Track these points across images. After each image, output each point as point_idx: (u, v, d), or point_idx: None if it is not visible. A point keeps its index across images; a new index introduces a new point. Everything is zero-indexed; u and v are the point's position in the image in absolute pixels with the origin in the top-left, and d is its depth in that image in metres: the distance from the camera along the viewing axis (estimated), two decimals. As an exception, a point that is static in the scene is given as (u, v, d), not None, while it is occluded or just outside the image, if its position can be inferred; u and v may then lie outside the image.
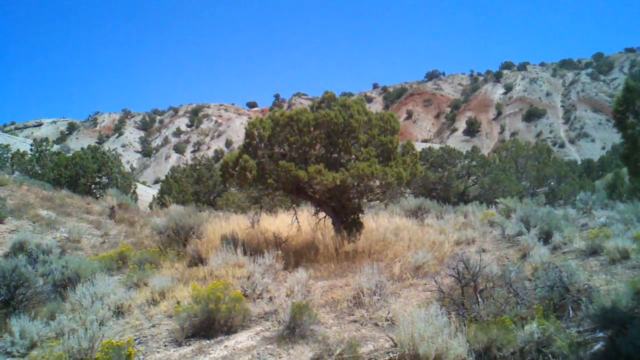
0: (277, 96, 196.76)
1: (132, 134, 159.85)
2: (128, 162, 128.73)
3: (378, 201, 14.53)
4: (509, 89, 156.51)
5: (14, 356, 6.89)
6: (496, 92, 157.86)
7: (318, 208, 13.39)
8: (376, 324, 7.23)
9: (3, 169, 22.58)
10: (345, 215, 12.58)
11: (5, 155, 29.31)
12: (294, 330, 6.79)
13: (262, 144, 12.05)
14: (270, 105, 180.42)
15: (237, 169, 11.75)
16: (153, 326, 7.82)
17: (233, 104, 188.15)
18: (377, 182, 11.95)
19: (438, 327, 5.93)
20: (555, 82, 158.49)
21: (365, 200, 13.55)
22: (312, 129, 11.65)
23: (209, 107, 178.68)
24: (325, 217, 13.23)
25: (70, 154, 29.67)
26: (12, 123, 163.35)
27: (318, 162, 11.49)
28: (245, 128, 12.35)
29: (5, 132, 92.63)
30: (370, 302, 7.90)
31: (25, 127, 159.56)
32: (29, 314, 7.86)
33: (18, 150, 30.10)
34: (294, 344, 6.57)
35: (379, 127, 12.18)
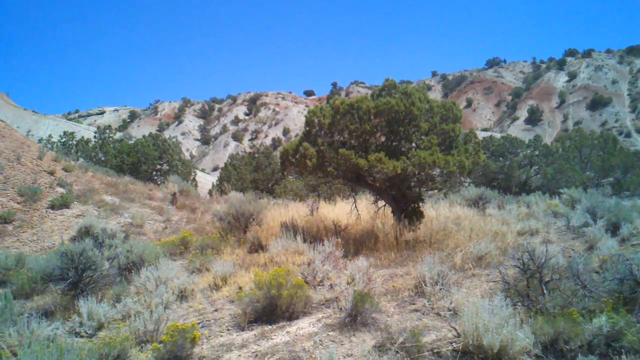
0: (334, 84, 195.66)
1: (191, 122, 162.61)
2: (187, 149, 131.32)
3: (437, 190, 14.31)
4: (572, 76, 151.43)
5: (82, 336, 7.09)
6: (559, 80, 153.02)
7: (377, 196, 13.31)
8: (438, 314, 7.12)
9: (68, 156, 23.31)
10: (405, 203, 12.46)
11: (70, 142, 30.34)
12: (355, 318, 6.76)
13: (322, 132, 12.01)
14: (328, 94, 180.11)
15: (297, 156, 11.78)
16: (216, 310, 7.94)
17: (290, 92, 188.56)
18: (438, 171, 11.77)
19: (503, 318, 5.79)
20: (621, 69, 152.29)
21: (425, 189, 13.37)
22: (372, 117, 11.55)
23: (266, 95, 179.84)
24: (384, 205, 13.15)
25: (132, 142, 30.48)
26: (76, 111, 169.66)
27: (378, 150, 11.38)
28: (305, 116, 12.34)
29: (70, 119, 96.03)
30: (432, 292, 7.79)
31: (89, 115, 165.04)
32: (95, 296, 8.09)
33: (82, 137, 31.14)
34: (355, 332, 6.54)
35: (441, 115, 11.99)
